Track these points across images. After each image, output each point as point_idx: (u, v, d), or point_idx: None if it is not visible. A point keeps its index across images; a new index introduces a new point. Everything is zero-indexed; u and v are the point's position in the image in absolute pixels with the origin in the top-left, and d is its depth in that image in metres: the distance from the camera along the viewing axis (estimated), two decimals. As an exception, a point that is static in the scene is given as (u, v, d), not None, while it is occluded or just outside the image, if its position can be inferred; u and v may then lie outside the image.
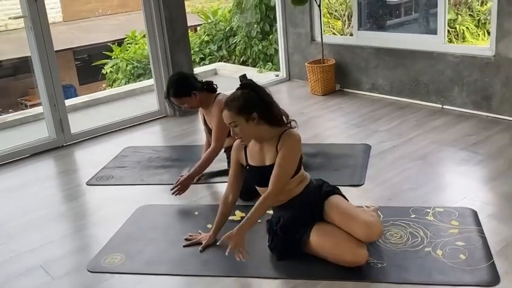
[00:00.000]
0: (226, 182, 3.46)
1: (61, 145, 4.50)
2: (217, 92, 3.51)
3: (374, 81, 5.05)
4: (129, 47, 8.33)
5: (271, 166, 2.55)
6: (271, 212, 2.77)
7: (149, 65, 7.50)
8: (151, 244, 2.87)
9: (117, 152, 4.26)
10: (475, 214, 2.83)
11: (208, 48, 7.56)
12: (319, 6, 5.14)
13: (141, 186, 3.63)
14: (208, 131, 3.56)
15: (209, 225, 2.94)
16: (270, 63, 6.59)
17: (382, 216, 2.84)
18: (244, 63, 7.22)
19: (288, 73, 5.87)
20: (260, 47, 6.74)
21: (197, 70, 6.95)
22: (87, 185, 3.72)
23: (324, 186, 2.68)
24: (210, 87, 3.49)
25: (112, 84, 8.40)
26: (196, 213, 3.18)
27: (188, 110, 3.55)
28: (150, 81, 6.28)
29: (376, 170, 3.49)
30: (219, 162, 3.65)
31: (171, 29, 4.79)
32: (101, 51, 9.63)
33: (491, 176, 3.29)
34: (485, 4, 8.26)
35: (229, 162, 3.46)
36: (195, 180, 3.56)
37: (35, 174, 4.03)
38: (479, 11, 8.12)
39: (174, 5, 4.78)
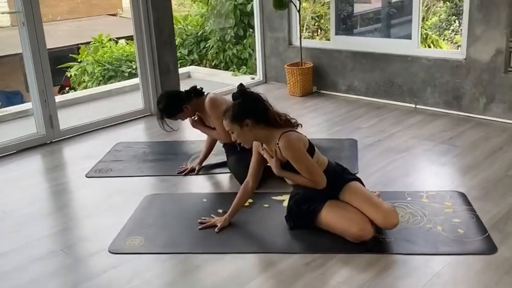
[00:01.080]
0: (226, 172, 3.68)
1: (49, 141, 4.51)
2: (206, 93, 3.64)
3: (350, 83, 5.35)
4: (97, 49, 8.32)
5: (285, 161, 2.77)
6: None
7: (120, 67, 7.62)
8: (167, 228, 2.99)
9: (108, 147, 4.33)
10: (464, 196, 3.13)
11: (179, 52, 7.68)
12: (298, 11, 5.41)
13: (142, 178, 3.73)
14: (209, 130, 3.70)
15: (220, 210, 3.11)
16: (244, 66, 6.80)
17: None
18: (216, 66, 7.39)
19: (264, 76, 6.09)
20: (234, 51, 6.94)
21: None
22: (86, 177, 3.78)
23: (345, 172, 2.90)
24: (197, 93, 3.62)
25: (75, 88, 8.35)
26: (204, 200, 3.32)
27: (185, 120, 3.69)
28: (131, 81, 6.36)
29: (367, 161, 3.75)
30: (219, 155, 3.82)
31: (158, 29, 4.92)
32: (56, 55, 9.53)
33: (471, 165, 3.61)
34: (430, 20, 8.75)
35: (228, 156, 3.65)
36: (195, 172, 3.73)
37: (29, 167, 4.05)
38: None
39: (162, 6, 4.92)
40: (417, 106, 4.91)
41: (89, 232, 3.01)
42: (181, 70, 7.35)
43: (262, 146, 2.86)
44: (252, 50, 6.85)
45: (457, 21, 8.31)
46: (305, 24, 7.06)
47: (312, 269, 2.51)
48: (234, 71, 6.80)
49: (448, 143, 4.02)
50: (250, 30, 6.89)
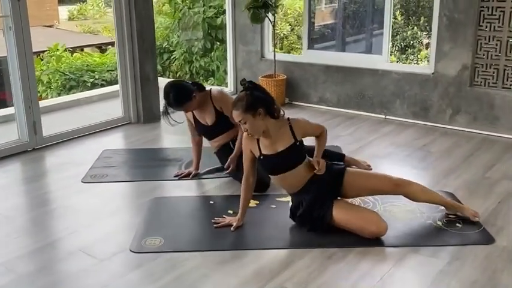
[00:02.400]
0: (223, 177, 3.79)
1: (32, 148, 4.43)
2: (208, 89, 3.76)
3: (322, 94, 5.62)
4: (52, 59, 8.17)
5: (284, 151, 2.92)
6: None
7: (82, 77, 7.52)
8: (183, 228, 3.08)
9: (92, 154, 4.32)
10: (453, 195, 3.43)
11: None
12: (273, 26, 5.64)
13: (140, 182, 3.77)
14: (200, 129, 3.78)
15: (230, 211, 3.22)
16: (212, 78, 6.94)
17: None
18: (180, 78, 7.46)
19: (235, 87, 6.25)
20: (202, 63, 7.05)
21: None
22: (82, 182, 3.77)
23: (331, 166, 3.05)
24: (200, 87, 3.74)
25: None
26: (211, 202, 3.43)
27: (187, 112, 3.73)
28: (105, 89, 6.31)
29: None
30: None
31: (141, 39, 4.97)
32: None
33: (450, 168, 3.93)
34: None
35: (221, 163, 3.76)
36: (190, 177, 3.81)
37: (18, 174, 3.99)
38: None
39: (145, 16, 4.98)
40: (387, 117, 5.25)
41: (103, 234, 3.03)
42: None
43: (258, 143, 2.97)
44: (220, 62, 7.00)
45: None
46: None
47: (334, 261, 2.69)
48: (202, 82, 6.92)
49: (423, 150, 4.35)
50: (218, 43, 7.04)
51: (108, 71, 7.66)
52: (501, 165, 3.98)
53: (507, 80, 4.57)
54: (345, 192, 3.02)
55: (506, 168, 3.93)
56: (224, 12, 6.90)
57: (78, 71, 7.44)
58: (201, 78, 7.12)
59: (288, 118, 2.99)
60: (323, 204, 2.95)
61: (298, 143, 2.96)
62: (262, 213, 3.24)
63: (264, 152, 2.96)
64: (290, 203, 3.30)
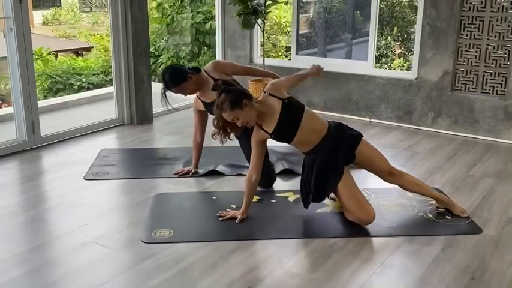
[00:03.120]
0: (221, 175, 3.93)
1: (30, 147, 4.51)
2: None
3: (309, 98, 5.83)
4: (37, 63, 8.19)
5: (281, 115, 3.07)
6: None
7: (69, 80, 7.57)
8: (191, 220, 3.22)
9: (90, 153, 4.42)
10: (440, 191, 3.65)
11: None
12: (263, 31, 5.83)
13: (141, 179, 3.88)
14: (211, 108, 3.81)
15: (233, 205, 3.37)
16: (199, 82, 7.07)
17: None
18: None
19: (223, 91, 6.41)
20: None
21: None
22: (85, 179, 3.88)
23: (347, 130, 3.23)
24: (197, 69, 3.81)
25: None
26: (214, 197, 3.58)
27: (190, 94, 3.80)
28: (94, 92, 6.39)
29: (347, 164, 4.20)
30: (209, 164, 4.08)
31: (136, 41, 5.10)
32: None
33: (435, 167, 4.17)
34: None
35: (245, 147, 3.75)
36: (190, 175, 3.95)
37: (20, 172, 4.07)
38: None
39: (140, 19, 5.11)
40: (372, 120, 5.48)
41: (113, 227, 3.15)
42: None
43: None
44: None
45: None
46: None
47: (336, 250, 2.87)
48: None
49: (409, 150, 4.59)
50: (205, 48, 7.20)
51: (94, 74, 7.73)
52: (482, 165, 4.24)
53: (486, 85, 4.86)
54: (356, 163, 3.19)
55: (487, 167, 4.19)
56: (212, 17, 7.08)
57: (64, 74, 7.48)
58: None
59: (264, 91, 3.16)
60: (335, 166, 3.10)
61: (286, 100, 3.11)
62: (264, 207, 3.40)
63: (270, 130, 3.10)
64: (291, 197, 3.51)
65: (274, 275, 2.62)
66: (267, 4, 5.71)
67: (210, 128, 3.96)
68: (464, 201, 3.47)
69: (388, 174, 3.23)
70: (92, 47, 14.41)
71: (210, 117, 3.70)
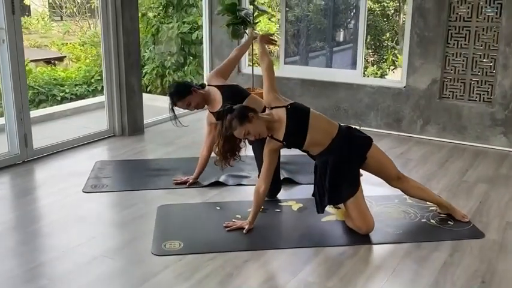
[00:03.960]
0: (222, 185, 3.94)
1: (22, 160, 4.43)
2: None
3: (298, 107, 5.88)
4: (31, 72, 8.05)
5: (288, 122, 3.11)
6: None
7: (51, 91, 7.46)
8: (198, 232, 3.22)
9: (84, 165, 4.37)
10: (439, 197, 3.74)
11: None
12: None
13: (141, 191, 3.85)
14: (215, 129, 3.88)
15: (238, 216, 3.39)
16: (185, 92, 7.06)
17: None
18: (150, 92, 7.55)
19: (211, 101, 6.42)
20: (175, 77, 7.17)
21: (102, 98, 7.12)
22: (84, 192, 3.83)
23: (353, 130, 3.28)
24: (200, 85, 3.88)
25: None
26: (218, 208, 3.58)
27: (196, 109, 3.84)
28: (87, 102, 6.31)
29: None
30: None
31: (127, 52, 5.07)
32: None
33: (430, 173, 4.27)
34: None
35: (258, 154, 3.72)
36: (187, 185, 3.95)
37: (16, 186, 3.99)
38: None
39: (132, 30, 5.09)
40: (361, 128, 5.56)
41: (120, 240, 3.13)
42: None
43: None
44: (193, 76, 7.16)
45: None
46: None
47: (347, 257, 2.91)
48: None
49: (402, 157, 4.68)
50: (191, 58, 7.20)
51: (76, 85, 7.63)
52: (474, 170, 4.36)
53: (473, 93, 5.00)
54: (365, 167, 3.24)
55: (479, 172, 4.31)
56: (198, 28, 7.09)
57: (47, 85, 7.37)
58: (173, 92, 7.26)
59: (265, 107, 3.27)
60: (350, 169, 3.14)
61: (289, 106, 3.15)
62: (270, 217, 3.42)
63: (281, 137, 3.13)
64: (294, 206, 3.54)
65: (291, 284, 2.64)
66: (255, 15, 5.76)
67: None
68: (462, 207, 3.56)
69: (396, 178, 3.30)
70: (65, 56, 14.20)
71: None
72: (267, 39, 3.75)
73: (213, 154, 3.51)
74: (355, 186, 3.14)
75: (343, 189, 3.14)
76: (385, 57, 9.79)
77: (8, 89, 4.26)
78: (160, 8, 7.26)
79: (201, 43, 7.01)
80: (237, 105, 3.18)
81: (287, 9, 6.17)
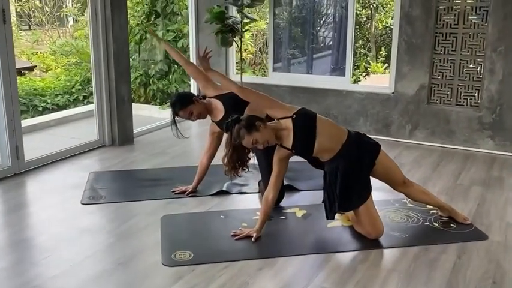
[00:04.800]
0: (220, 194, 3.93)
1: (14, 173, 4.32)
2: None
3: (287, 114, 5.91)
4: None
5: (295, 129, 3.11)
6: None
7: (32, 102, 7.31)
8: (206, 241, 3.19)
9: (78, 177, 4.30)
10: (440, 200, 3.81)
11: (91, 87, 7.61)
12: (240, 49, 5.88)
13: (141, 202, 3.80)
14: (216, 139, 3.88)
15: (244, 224, 3.38)
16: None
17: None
18: (133, 101, 7.46)
19: (198, 109, 6.39)
20: (160, 86, 7.12)
21: (86, 108, 7.03)
22: (82, 204, 3.76)
23: (362, 136, 3.31)
24: (204, 96, 3.87)
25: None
26: (222, 216, 3.56)
27: (198, 119, 3.78)
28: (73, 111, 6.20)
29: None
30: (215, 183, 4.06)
31: (117, 61, 5.01)
32: None
33: (425, 177, 4.34)
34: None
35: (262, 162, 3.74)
36: (186, 194, 3.92)
37: (13, 198, 3.88)
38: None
39: (121, 38, 5.04)
40: (350, 134, 5.63)
41: (129, 251, 3.07)
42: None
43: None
44: (178, 84, 7.12)
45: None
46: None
47: (359, 262, 2.94)
48: (161, 105, 6.99)
49: (395, 161, 4.73)
50: (175, 66, 7.15)
51: (57, 95, 7.49)
52: (466, 173, 4.45)
53: (460, 98, 5.11)
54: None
55: (471, 175, 4.40)
56: (183, 36, 7.07)
57: (27, 96, 7.21)
58: (157, 101, 7.18)
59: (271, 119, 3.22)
60: (360, 175, 3.16)
61: (294, 116, 3.13)
62: (276, 224, 3.42)
63: (290, 145, 3.13)
64: (298, 213, 3.56)
65: (308, 290, 2.65)
66: (243, 22, 5.78)
67: (220, 153, 3.99)
68: (462, 209, 3.62)
69: (402, 183, 3.34)
70: (35, 66, 13.95)
71: (222, 143, 3.71)
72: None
73: (217, 163, 3.51)
74: (366, 192, 3.17)
75: (354, 195, 3.16)
76: (357, 64, 9.93)
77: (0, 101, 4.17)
78: (144, 17, 7.20)
79: (186, 51, 6.99)
80: (244, 115, 3.19)
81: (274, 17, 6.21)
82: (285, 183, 4.01)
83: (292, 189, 4.01)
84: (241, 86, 3.27)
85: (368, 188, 3.19)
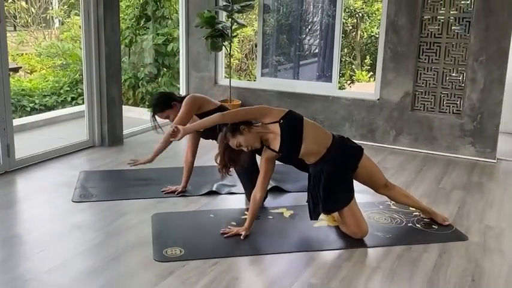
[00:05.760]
0: (207, 194, 4.02)
1: (5, 171, 4.36)
2: None
3: (275, 119, 6.02)
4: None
5: (281, 134, 3.19)
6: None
7: (20, 102, 7.31)
8: (196, 239, 3.28)
9: (68, 176, 4.36)
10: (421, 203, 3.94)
11: (80, 89, 7.66)
12: (229, 54, 5.98)
13: (131, 201, 3.87)
14: (195, 135, 3.98)
15: (233, 223, 3.47)
16: (159, 103, 7.09)
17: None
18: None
19: (187, 112, 6.47)
20: (149, 89, 7.19)
21: (75, 109, 7.07)
22: (73, 202, 3.82)
23: (346, 140, 3.43)
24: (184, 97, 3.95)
25: None
26: (211, 215, 3.64)
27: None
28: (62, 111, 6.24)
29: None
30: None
31: (108, 62, 5.08)
32: None
33: (408, 181, 4.47)
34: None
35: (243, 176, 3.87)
36: (176, 194, 4.00)
37: (3, 195, 3.92)
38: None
39: (112, 41, 5.11)
40: (336, 139, 5.75)
41: (121, 247, 3.13)
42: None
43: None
44: (167, 88, 7.19)
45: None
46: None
47: (344, 260, 3.04)
48: (150, 107, 7.05)
49: (379, 166, 4.83)
50: (164, 69, 7.24)
51: (45, 95, 7.51)
52: (448, 178, 4.60)
53: (443, 105, 5.27)
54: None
55: (453, 180, 4.55)
56: (173, 39, 7.15)
57: (15, 96, 7.22)
58: (146, 103, 7.25)
59: (261, 124, 3.26)
60: (344, 178, 3.28)
61: (282, 121, 3.21)
62: (263, 223, 3.52)
63: (277, 148, 3.21)
64: (286, 213, 3.66)
65: (296, 285, 2.74)
66: (233, 28, 5.88)
67: (201, 149, 4.09)
68: (443, 212, 3.75)
69: (384, 186, 3.46)
70: (20, 67, 13.91)
71: (202, 140, 4.03)
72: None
73: (207, 164, 3.60)
74: (349, 194, 3.29)
75: (338, 197, 3.28)
76: (343, 71, 10.10)
77: (-9, 98, 4.21)
78: (134, 20, 7.27)
79: (175, 55, 7.08)
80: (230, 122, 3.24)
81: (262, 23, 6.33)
82: (273, 184, 4.14)
83: (279, 190, 4.11)
84: (221, 113, 3.25)
85: (351, 191, 3.31)
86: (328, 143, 3.29)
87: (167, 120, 3.89)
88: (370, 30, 10.62)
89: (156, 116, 3.84)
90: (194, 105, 3.77)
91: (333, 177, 3.26)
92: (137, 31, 7.30)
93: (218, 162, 3.23)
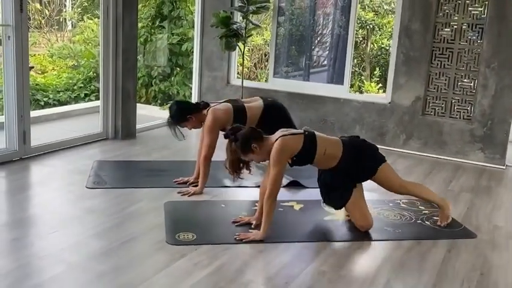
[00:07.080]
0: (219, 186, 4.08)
1: (20, 157, 4.43)
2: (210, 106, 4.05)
3: (286, 120, 6.07)
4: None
5: None
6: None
7: (35, 96, 7.41)
8: (208, 225, 3.33)
9: (81, 164, 4.42)
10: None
11: (94, 86, 7.75)
12: (243, 54, 6.06)
13: (144, 189, 3.92)
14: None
15: (244, 213, 3.52)
16: (170, 102, 7.17)
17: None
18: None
19: (199, 111, 6.55)
20: (162, 87, 7.28)
21: (88, 104, 7.16)
22: (87, 188, 3.88)
23: (361, 145, 3.48)
24: (205, 105, 4.07)
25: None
26: (222, 205, 3.69)
27: (191, 129, 4.08)
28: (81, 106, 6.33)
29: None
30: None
31: (125, 57, 5.17)
32: None
33: (418, 181, 4.49)
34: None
35: None
36: (187, 185, 4.05)
37: (18, 180, 3.99)
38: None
39: (130, 36, 5.20)
40: (346, 141, 5.80)
41: (135, 231, 3.19)
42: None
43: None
44: (180, 87, 7.29)
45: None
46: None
47: (354, 251, 3.09)
48: (162, 105, 7.14)
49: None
50: (178, 69, 7.33)
51: (59, 91, 7.61)
52: (456, 181, 4.63)
53: (454, 110, 5.32)
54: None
55: (461, 183, 4.58)
56: (188, 39, 7.24)
57: (30, 90, 7.30)
58: (158, 101, 7.34)
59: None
60: (349, 183, 3.38)
61: (306, 133, 3.28)
62: (274, 215, 3.54)
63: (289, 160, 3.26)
64: (296, 206, 3.71)
65: (306, 271, 2.78)
66: (247, 28, 5.96)
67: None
68: (452, 212, 3.78)
69: (399, 187, 3.47)
70: (33, 67, 14.09)
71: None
72: None
73: (217, 159, 3.66)
74: (348, 193, 3.37)
75: (337, 196, 3.41)
76: (352, 82, 10.15)
77: (10, 86, 4.29)
78: (149, 19, 7.39)
79: (189, 55, 7.17)
80: (242, 133, 3.21)
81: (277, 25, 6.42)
82: (291, 179, 4.19)
83: (298, 185, 4.17)
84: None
85: (349, 191, 3.37)
86: (339, 156, 3.29)
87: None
88: (380, 42, 10.68)
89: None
90: (217, 129, 3.90)
91: (340, 183, 3.38)
92: (152, 30, 7.40)
93: (227, 167, 3.27)
